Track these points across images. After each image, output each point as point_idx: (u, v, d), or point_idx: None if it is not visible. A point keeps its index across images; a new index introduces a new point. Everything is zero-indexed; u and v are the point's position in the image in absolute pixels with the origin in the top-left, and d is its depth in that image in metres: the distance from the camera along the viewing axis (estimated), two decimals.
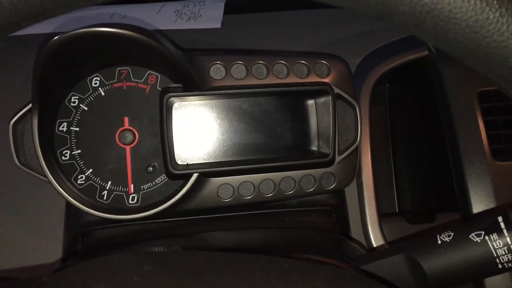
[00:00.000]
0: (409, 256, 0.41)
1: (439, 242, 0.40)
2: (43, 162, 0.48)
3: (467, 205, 0.55)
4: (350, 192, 0.58)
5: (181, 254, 0.32)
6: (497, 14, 0.25)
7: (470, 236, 0.39)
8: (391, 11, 0.27)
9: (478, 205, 0.54)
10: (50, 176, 0.49)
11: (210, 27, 0.71)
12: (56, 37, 0.42)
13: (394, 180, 0.69)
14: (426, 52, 0.62)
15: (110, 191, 0.53)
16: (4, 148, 0.53)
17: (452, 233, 0.40)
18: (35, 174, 0.50)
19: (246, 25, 0.71)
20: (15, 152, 0.50)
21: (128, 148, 0.53)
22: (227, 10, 0.75)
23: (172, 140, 0.51)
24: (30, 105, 0.49)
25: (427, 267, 0.40)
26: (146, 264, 0.30)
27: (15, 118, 0.49)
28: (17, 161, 0.50)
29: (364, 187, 0.57)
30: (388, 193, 0.69)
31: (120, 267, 0.30)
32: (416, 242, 0.41)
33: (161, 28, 0.71)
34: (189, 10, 0.80)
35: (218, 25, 0.71)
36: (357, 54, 0.63)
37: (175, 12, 0.79)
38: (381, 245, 0.54)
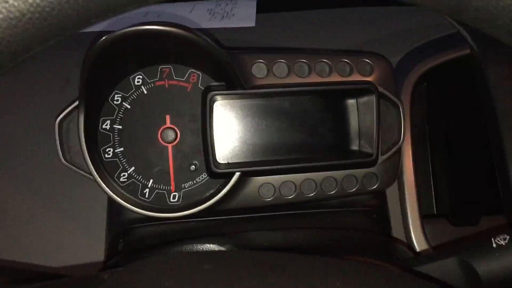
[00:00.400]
0: (463, 259, 0.40)
1: (494, 245, 0.39)
2: (89, 159, 0.49)
3: None
4: (391, 193, 0.57)
5: (239, 254, 0.32)
6: None
7: None
8: (464, 6, 0.26)
9: None
10: (95, 173, 0.49)
11: (244, 25, 0.71)
12: (106, 36, 0.43)
13: (432, 181, 0.68)
14: (469, 51, 0.61)
15: (152, 189, 0.53)
16: (48, 146, 0.53)
17: (508, 237, 0.39)
18: (80, 171, 0.50)
19: (281, 23, 0.71)
20: (61, 150, 0.50)
21: (170, 146, 0.53)
22: (260, 9, 0.75)
23: (214, 139, 0.51)
24: (75, 103, 0.49)
25: (482, 271, 0.39)
26: (206, 263, 0.30)
27: (61, 116, 0.50)
28: (63, 159, 0.50)
29: (406, 188, 0.56)
30: (426, 194, 0.67)
31: (181, 266, 0.30)
32: (470, 245, 0.40)
33: (196, 27, 0.71)
34: (221, 9, 0.80)
35: (253, 24, 0.71)
36: (397, 52, 0.62)
37: (208, 11, 0.79)
38: (425, 250, 0.53)
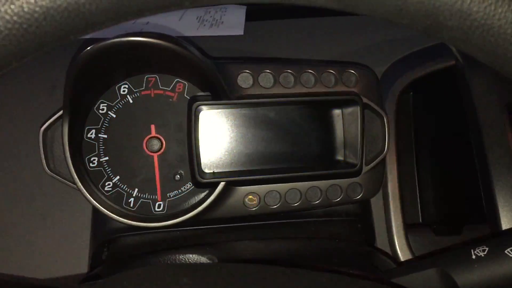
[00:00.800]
0: (442, 270, 0.40)
1: (474, 257, 0.40)
2: (72, 169, 0.49)
3: (496, 218, 0.54)
4: (375, 202, 0.58)
5: (218, 267, 0.32)
6: None
7: (506, 252, 0.39)
8: (439, 25, 0.26)
9: (507, 219, 0.53)
10: (79, 182, 0.49)
11: (233, 34, 0.71)
12: (91, 46, 0.43)
13: (417, 191, 0.68)
14: (454, 62, 0.62)
15: (137, 198, 0.53)
16: (32, 154, 0.53)
17: (487, 248, 0.39)
18: (64, 180, 0.50)
19: (269, 32, 0.71)
20: (45, 158, 0.50)
21: (155, 155, 0.53)
22: (249, 17, 0.75)
23: (199, 148, 0.51)
24: (60, 112, 0.49)
25: (462, 283, 0.39)
26: (184, 276, 0.30)
27: (46, 125, 0.50)
28: (46, 168, 0.50)
29: (390, 197, 0.57)
30: (411, 203, 0.68)
31: (159, 279, 0.30)
32: (450, 256, 0.41)
33: (184, 35, 0.71)
34: (210, 16, 0.80)
35: (241, 32, 0.71)
36: (383, 62, 0.63)
37: (197, 19, 0.79)
38: (409, 259, 0.54)
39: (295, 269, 0.32)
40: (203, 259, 0.44)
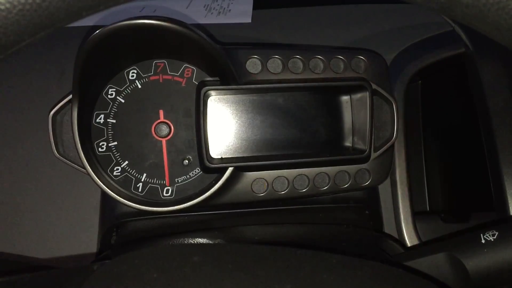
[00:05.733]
0: (451, 254, 0.40)
1: (483, 241, 0.39)
2: (82, 153, 0.49)
3: (504, 205, 0.54)
4: (383, 189, 0.57)
5: (228, 247, 0.32)
6: None
7: None
8: (454, 2, 0.26)
9: None
10: (88, 167, 0.49)
11: (240, 21, 0.71)
12: (100, 30, 0.43)
13: (425, 178, 0.68)
14: (463, 49, 0.61)
15: (145, 184, 0.53)
16: (42, 139, 0.53)
17: (497, 232, 0.39)
18: (73, 164, 0.50)
19: (277, 20, 0.71)
20: (54, 143, 0.50)
21: (164, 140, 0.53)
22: (256, 5, 0.75)
23: (207, 134, 0.51)
24: (69, 97, 0.49)
25: (471, 267, 0.39)
26: (194, 255, 0.30)
27: (55, 109, 0.50)
28: (56, 152, 0.50)
29: (398, 184, 0.57)
30: (419, 191, 0.68)
31: (170, 258, 0.30)
32: (459, 240, 0.41)
33: (192, 22, 0.71)
34: (218, 4, 0.80)
35: (249, 20, 0.71)
36: (392, 49, 0.62)
37: (204, 7, 0.79)
38: (416, 244, 0.54)
39: (304, 250, 0.32)
40: (211, 242, 0.45)
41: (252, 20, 0.70)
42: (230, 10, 0.77)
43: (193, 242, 0.45)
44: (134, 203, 0.50)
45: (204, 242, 0.44)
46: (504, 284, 0.40)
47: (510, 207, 0.53)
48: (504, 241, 0.39)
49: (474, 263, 0.39)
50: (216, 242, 0.45)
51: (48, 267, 0.39)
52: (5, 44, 0.24)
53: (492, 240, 0.39)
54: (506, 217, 0.52)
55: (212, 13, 0.76)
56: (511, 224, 0.40)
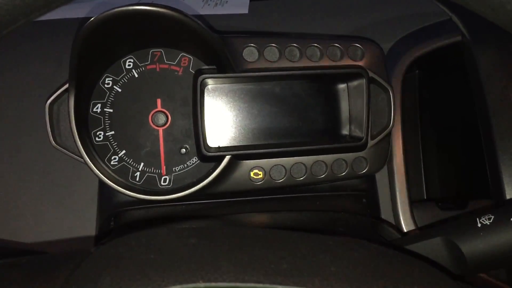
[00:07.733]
0: (448, 239, 0.40)
1: (479, 225, 0.40)
2: (79, 142, 0.49)
3: (501, 191, 0.54)
4: (380, 177, 0.58)
5: (225, 229, 0.32)
6: None
7: (511, 219, 0.39)
8: None
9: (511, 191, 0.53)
10: (86, 156, 0.49)
11: (237, 12, 0.71)
12: (95, 16, 0.43)
13: (422, 167, 0.68)
14: (460, 38, 0.61)
15: (142, 173, 0.53)
16: (39, 128, 0.53)
17: (493, 216, 0.40)
18: (71, 154, 0.50)
19: (274, 10, 0.71)
20: (51, 132, 0.50)
21: (161, 130, 0.53)
22: None
23: (204, 122, 0.51)
24: (66, 86, 0.49)
25: (467, 250, 0.39)
26: (191, 237, 0.30)
27: (51, 98, 0.50)
28: (53, 141, 0.50)
29: (395, 172, 0.57)
30: (416, 179, 0.68)
31: (167, 240, 0.30)
32: (455, 225, 0.41)
33: (189, 13, 0.71)
34: None
35: (246, 11, 0.71)
36: (389, 38, 0.62)
37: None
38: (412, 230, 0.54)
39: (302, 232, 0.32)
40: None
41: (249, 10, 0.70)
42: (227, 1, 0.77)
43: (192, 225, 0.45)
44: (132, 191, 0.50)
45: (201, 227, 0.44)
46: (500, 267, 0.40)
47: (507, 194, 0.53)
48: (499, 225, 0.39)
49: (470, 247, 0.39)
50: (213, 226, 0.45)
51: (45, 254, 0.39)
52: (0, 22, 0.24)
53: (488, 224, 0.39)
54: (502, 201, 0.52)
55: (209, 4, 0.76)
56: (507, 208, 0.40)
